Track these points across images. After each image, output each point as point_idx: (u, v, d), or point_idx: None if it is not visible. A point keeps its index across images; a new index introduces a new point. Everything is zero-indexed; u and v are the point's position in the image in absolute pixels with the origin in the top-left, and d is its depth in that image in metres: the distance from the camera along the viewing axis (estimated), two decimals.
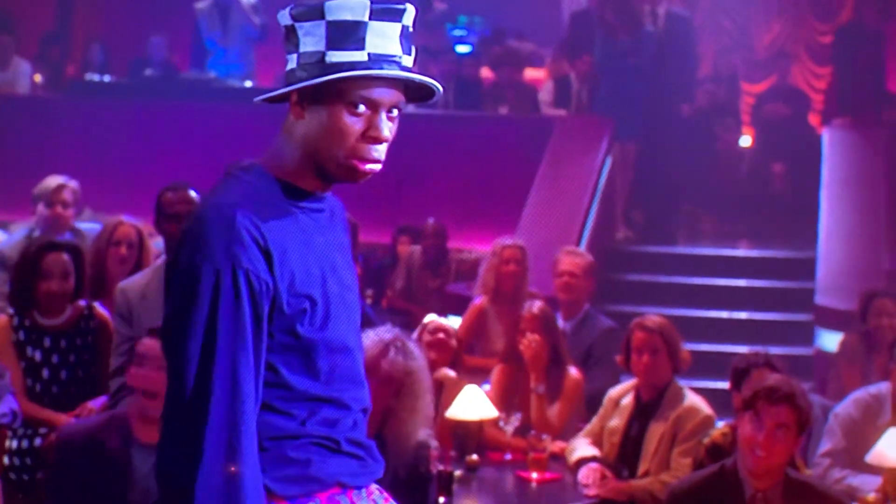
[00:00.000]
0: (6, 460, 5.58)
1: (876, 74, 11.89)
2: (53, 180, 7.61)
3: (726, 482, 4.70)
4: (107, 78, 12.69)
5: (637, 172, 11.05)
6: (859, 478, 5.94)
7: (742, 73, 13.77)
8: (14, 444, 5.60)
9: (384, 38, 2.63)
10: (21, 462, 5.60)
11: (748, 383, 4.98)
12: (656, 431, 5.84)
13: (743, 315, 9.94)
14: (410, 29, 2.69)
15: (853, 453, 6.04)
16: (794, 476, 4.70)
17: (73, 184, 7.66)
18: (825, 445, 6.21)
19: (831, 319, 8.95)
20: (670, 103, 11.15)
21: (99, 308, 5.92)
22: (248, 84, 12.08)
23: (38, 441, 5.59)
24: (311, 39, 2.63)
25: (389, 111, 2.64)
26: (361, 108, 2.61)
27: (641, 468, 5.84)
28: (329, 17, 2.62)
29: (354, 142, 2.62)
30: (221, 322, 2.52)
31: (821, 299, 9.32)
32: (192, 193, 5.68)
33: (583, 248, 9.48)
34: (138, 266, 6.42)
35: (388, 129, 2.63)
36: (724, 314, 9.92)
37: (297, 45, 2.66)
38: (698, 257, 10.60)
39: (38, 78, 13.09)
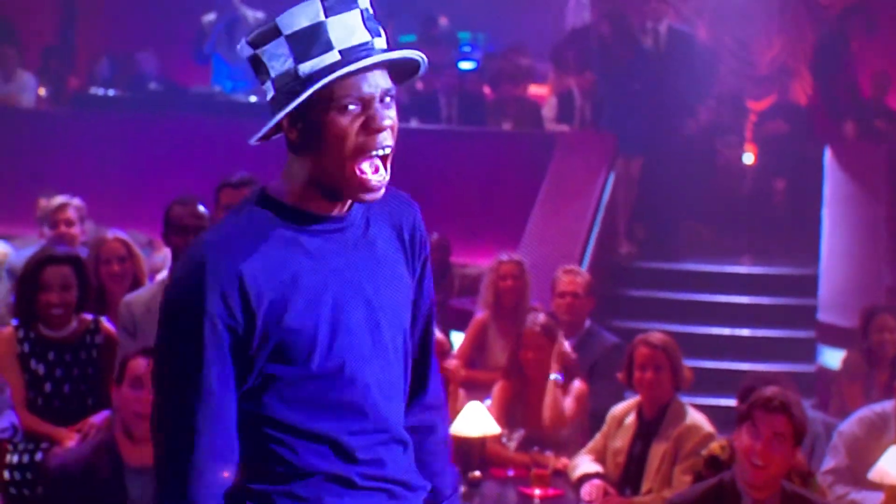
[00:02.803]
0: (7, 475, 5.56)
1: (852, 86, 11.97)
2: (55, 200, 7.59)
3: (725, 495, 4.74)
4: (111, 92, 12.70)
5: (640, 187, 11.04)
6: (862, 494, 5.95)
7: (744, 91, 13.76)
8: (15, 458, 5.59)
9: (348, 30, 2.51)
10: (22, 476, 5.59)
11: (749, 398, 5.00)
12: (658, 450, 5.85)
13: (745, 332, 9.92)
14: (370, 11, 2.57)
15: (856, 471, 6.06)
16: (790, 489, 4.75)
17: (76, 201, 7.60)
18: (829, 463, 6.23)
19: (833, 336, 8.96)
20: (674, 119, 11.16)
21: (105, 322, 5.92)
22: (253, 99, 12.08)
23: (38, 455, 5.57)
24: (279, 61, 2.52)
25: (383, 101, 2.53)
26: (353, 106, 2.49)
27: (644, 487, 5.85)
28: (286, 32, 2.51)
29: (358, 139, 2.50)
30: (179, 355, 2.48)
31: (823, 316, 9.31)
32: (201, 208, 5.68)
33: (586, 263, 9.49)
34: (135, 277, 6.43)
35: (385, 117, 2.51)
36: (727, 331, 9.91)
37: (268, 72, 2.54)
38: (701, 273, 10.58)
39: (42, 91, 13.09)
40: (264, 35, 2.53)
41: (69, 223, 7.49)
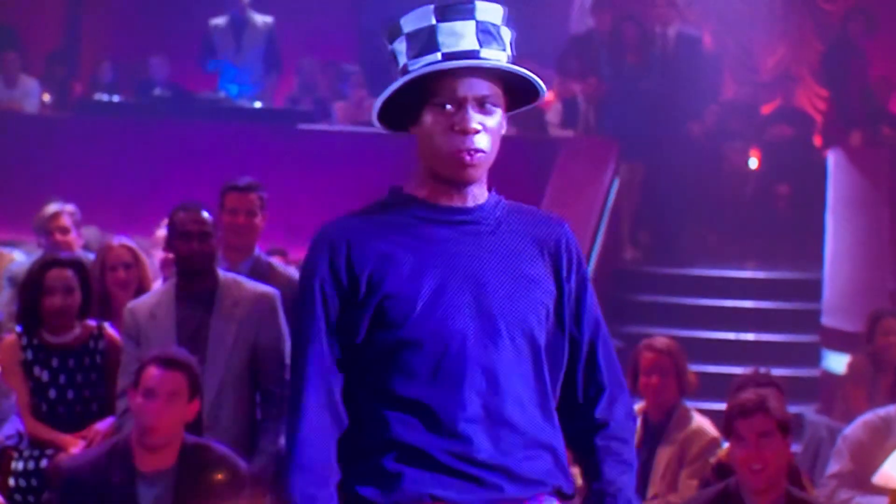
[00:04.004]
0: (12, 482, 5.55)
1: (864, 92, 11.96)
2: (48, 209, 7.50)
3: (729, 501, 4.71)
4: (116, 97, 12.67)
5: (644, 193, 11.03)
6: (866, 498, 5.93)
7: (749, 96, 13.75)
8: (20, 465, 5.57)
9: (456, 37, 2.69)
10: (27, 484, 5.57)
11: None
12: (664, 454, 5.85)
13: (749, 336, 9.91)
14: (495, 23, 2.75)
15: (860, 475, 6.03)
16: (796, 494, 4.73)
17: (69, 207, 7.49)
18: (833, 467, 6.21)
19: (837, 340, 8.94)
20: (678, 124, 11.16)
21: (109, 328, 5.89)
22: (258, 104, 12.05)
23: (44, 462, 5.56)
24: (401, 56, 2.73)
25: (482, 106, 2.68)
26: (448, 106, 2.67)
27: (650, 491, 5.84)
28: (406, 31, 2.72)
29: (447, 137, 2.67)
30: (304, 321, 2.71)
31: (827, 320, 9.30)
32: (205, 214, 5.65)
33: (591, 268, 9.46)
34: (140, 285, 6.41)
35: (475, 120, 2.67)
36: (731, 335, 9.89)
37: (397, 65, 2.75)
38: (705, 278, 10.57)
39: (46, 97, 13.07)
40: (394, 30, 2.75)
41: (64, 231, 7.39)
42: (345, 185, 10.04)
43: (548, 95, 13.08)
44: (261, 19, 12.25)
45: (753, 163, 12.61)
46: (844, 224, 10.13)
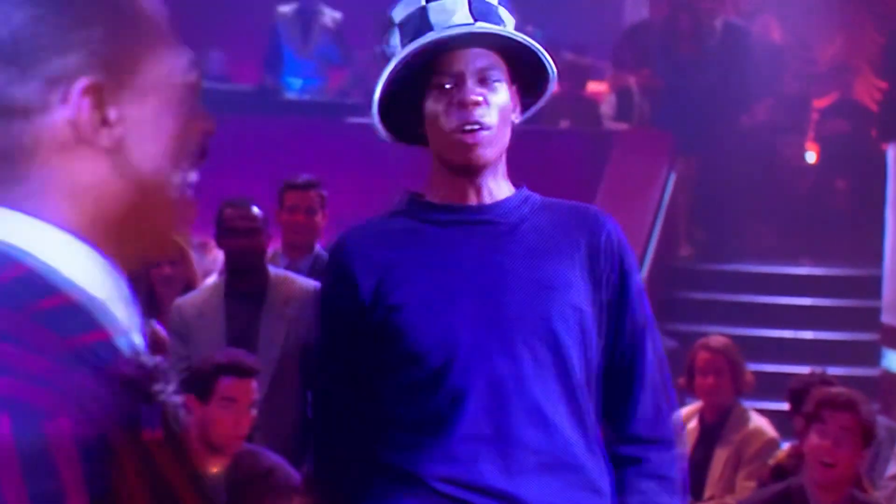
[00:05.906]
0: None
1: None
2: None
3: (792, 500, 4.70)
4: None
5: (699, 188, 10.94)
6: None
7: (805, 88, 13.63)
8: None
9: (447, 13, 2.56)
10: None
11: (809, 400, 5.01)
12: (721, 456, 5.85)
13: (808, 335, 9.82)
14: (490, 1, 2.63)
15: None
16: (861, 497, 4.73)
17: None
18: (892, 468, 6.12)
19: None
20: (731, 117, 11.06)
21: (155, 325, 5.84)
22: (308, 98, 11.99)
23: None
24: (394, 50, 2.59)
25: (483, 81, 2.56)
26: (447, 84, 2.55)
27: (707, 493, 5.82)
28: (397, 21, 2.61)
29: (448, 114, 2.54)
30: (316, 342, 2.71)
31: (887, 318, 9.22)
32: (255, 209, 5.61)
33: (646, 265, 9.41)
34: (187, 280, 6.37)
35: (474, 93, 2.53)
36: (789, 334, 9.80)
37: (388, 63, 2.63)
38: (761, 275, 10.49)
39: None
40: (385, 28, 2.65)
41: None
42: (395, 179, 9.98)
43: (602, 87, 13.08)
44: (330, 14, 12.06)
45: (811, 157, 12.50)
46: None
